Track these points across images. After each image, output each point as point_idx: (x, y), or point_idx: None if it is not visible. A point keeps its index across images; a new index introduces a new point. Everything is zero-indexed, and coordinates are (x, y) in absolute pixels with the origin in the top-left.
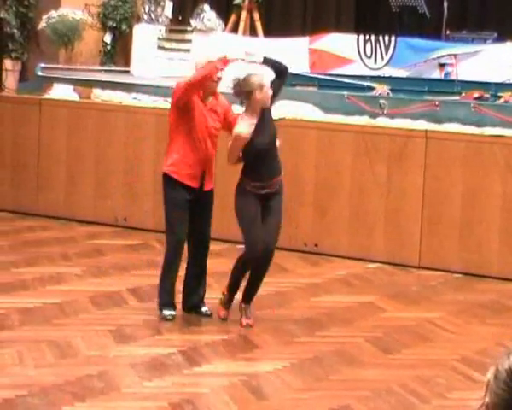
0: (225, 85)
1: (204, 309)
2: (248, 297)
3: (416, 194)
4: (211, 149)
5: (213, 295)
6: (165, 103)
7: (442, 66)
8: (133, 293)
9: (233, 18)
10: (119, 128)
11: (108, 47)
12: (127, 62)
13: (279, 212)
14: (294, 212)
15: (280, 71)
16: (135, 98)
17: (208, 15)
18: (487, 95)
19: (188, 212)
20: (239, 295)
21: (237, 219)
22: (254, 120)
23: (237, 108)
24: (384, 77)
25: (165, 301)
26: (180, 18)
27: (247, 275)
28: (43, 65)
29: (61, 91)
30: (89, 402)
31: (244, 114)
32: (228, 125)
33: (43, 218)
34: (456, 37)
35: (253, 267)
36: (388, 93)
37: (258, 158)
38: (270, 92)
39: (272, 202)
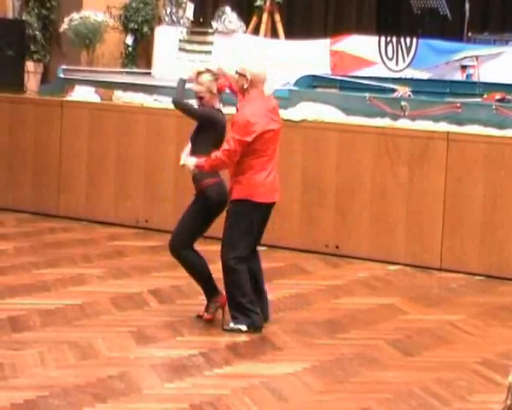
0: None
1: None
2: None
3: (438, 196)
4: None
5: None
6: None
7: (464, 67)
8: (154, 294)
9: (254, 20)
10: (140, 130)
11: (130, 49)
12: (148, 64)
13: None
14: (316, 213)
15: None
16: (156, 100)
17: (229, 17)
18: (509, 96)
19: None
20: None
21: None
22: None
23: None
24: (405, 79)
25: None
26: (201, 20)
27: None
28: (64, 67)
29: (83, 93)
30: (109, 403)
31: None
32: None
33: (65, 219)
34: (477, 38)
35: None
36: (410, 95)
37: None
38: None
39: None
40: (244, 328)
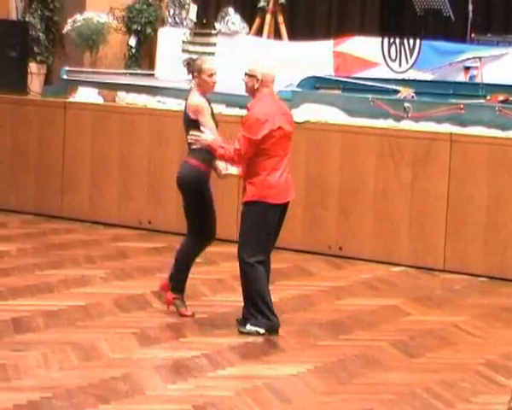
0: None
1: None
2: None
3: (441, 197)
4: None
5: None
6: None
7: (467, 69)
8: (157, 296)
9: (257, 21)
10: (143, 131)
11: (133, 50)
12: (152, 65)
13: None
14: (319, 215)
15: None
16: (159, 101)
17: (233, 18)
18: None
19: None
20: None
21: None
22: None
23: None
24: (409, 80)
25: None
26: (204, 21)
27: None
28: (68, 68)
29: (86, 94)
30: (113, 405)
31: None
32: None
33: (68, 220)
34: (480, 40)
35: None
36: (413, 96)
37: None
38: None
39: None
40: (262, 330)
